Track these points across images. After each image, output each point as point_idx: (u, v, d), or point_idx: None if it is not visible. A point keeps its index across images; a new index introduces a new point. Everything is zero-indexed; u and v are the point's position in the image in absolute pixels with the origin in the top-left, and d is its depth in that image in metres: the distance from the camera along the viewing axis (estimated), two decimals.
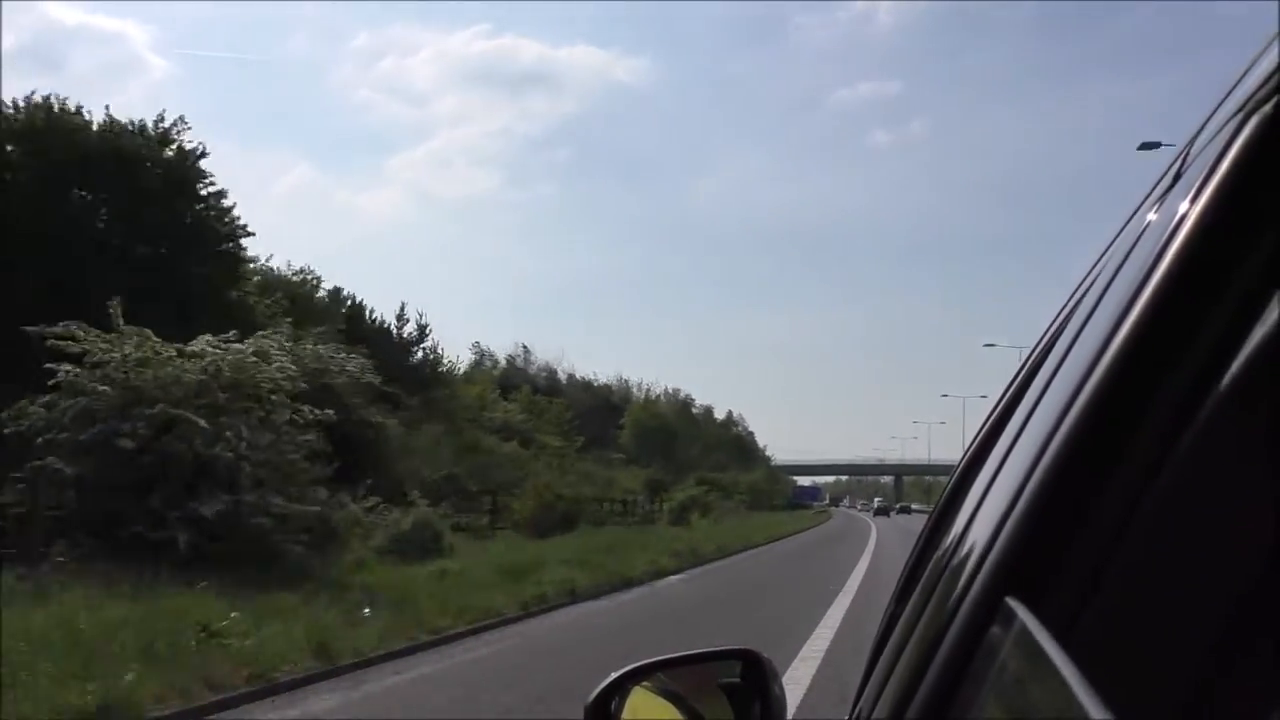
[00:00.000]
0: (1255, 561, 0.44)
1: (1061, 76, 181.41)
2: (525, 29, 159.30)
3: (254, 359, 14.54)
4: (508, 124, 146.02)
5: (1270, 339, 0.46)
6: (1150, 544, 0.49)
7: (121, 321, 13.88)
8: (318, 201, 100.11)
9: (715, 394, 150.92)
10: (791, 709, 1.56)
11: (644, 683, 1.36)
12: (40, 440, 13.07)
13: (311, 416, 14.89)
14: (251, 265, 26.85)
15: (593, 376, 66.03)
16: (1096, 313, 0.68)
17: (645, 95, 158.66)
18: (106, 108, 24.93)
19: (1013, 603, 0.54)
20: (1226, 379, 0.47)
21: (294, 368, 15.30)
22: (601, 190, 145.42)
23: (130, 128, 23.73)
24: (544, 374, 58.04)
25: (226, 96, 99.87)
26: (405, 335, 35.87)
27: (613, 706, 1.32)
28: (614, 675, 1.33)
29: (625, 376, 71.84)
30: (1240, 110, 0.55)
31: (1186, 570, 0.48)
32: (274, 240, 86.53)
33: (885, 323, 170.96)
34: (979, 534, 0.67)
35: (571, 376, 63.00)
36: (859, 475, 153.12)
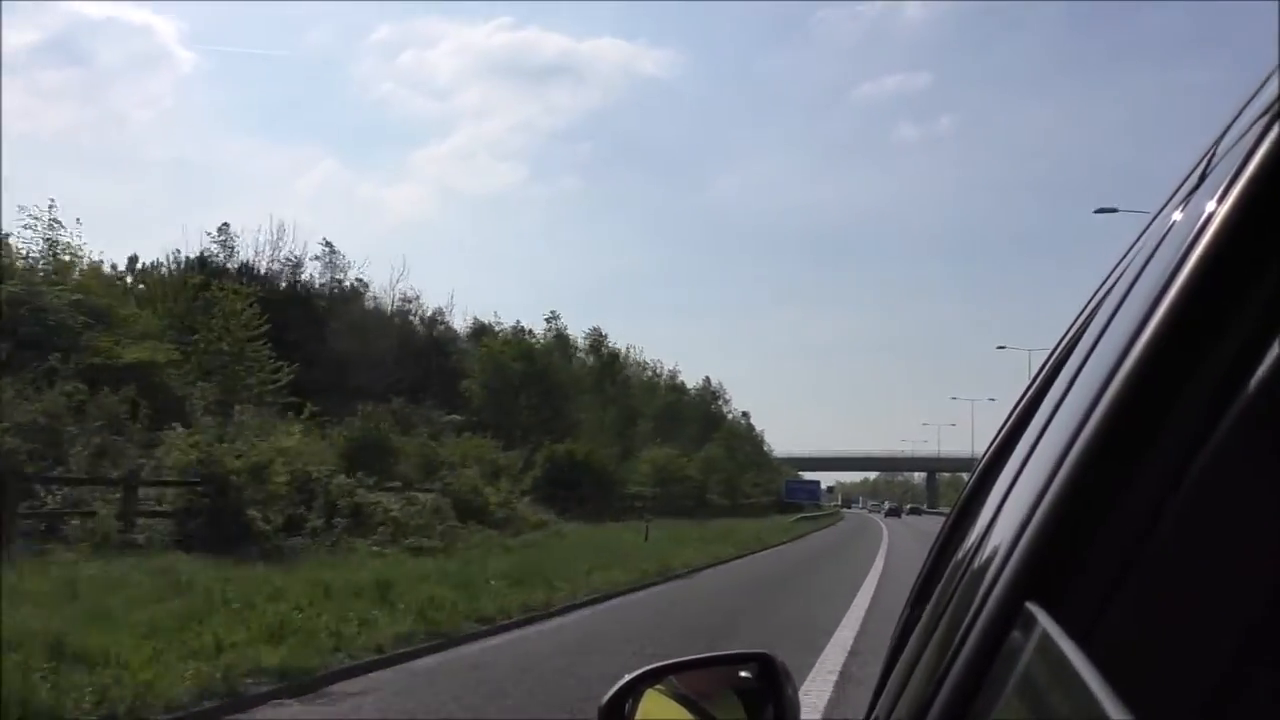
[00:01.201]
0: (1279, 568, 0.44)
1: (1093, 69, 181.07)
2: (548, 21, 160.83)
3: None
4: (531, 118, 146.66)
5: None
6: (1173, 549, 0.49)
7: None
8: (343, 196, 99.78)
9: (738, 392, 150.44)
10: None
11: (657, 685, 1.36)
12: None
13: None
14: None
15: (494, 318, 44.96)
16: (1120, 312, 0.67)
17: (668, 88, 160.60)
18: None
19: (1033, 608, 0.54)
20: (1253, 382, 0.47)
21: None
22: (625, 185, 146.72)
23: None
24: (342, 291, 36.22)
25: (253, 90, 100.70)
26: None
27: (626, 709, 1.32)
28: (627, 677, 1.34)
29: (560, 318, 48.40)
30: (1268, 111, 0.54)
31: (1209, 576, 0.47)
32: (300, 235, 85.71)
33: (912, 320, 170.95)
34: (999, 537, 0.67)
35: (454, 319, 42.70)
36: (888, 471, 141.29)
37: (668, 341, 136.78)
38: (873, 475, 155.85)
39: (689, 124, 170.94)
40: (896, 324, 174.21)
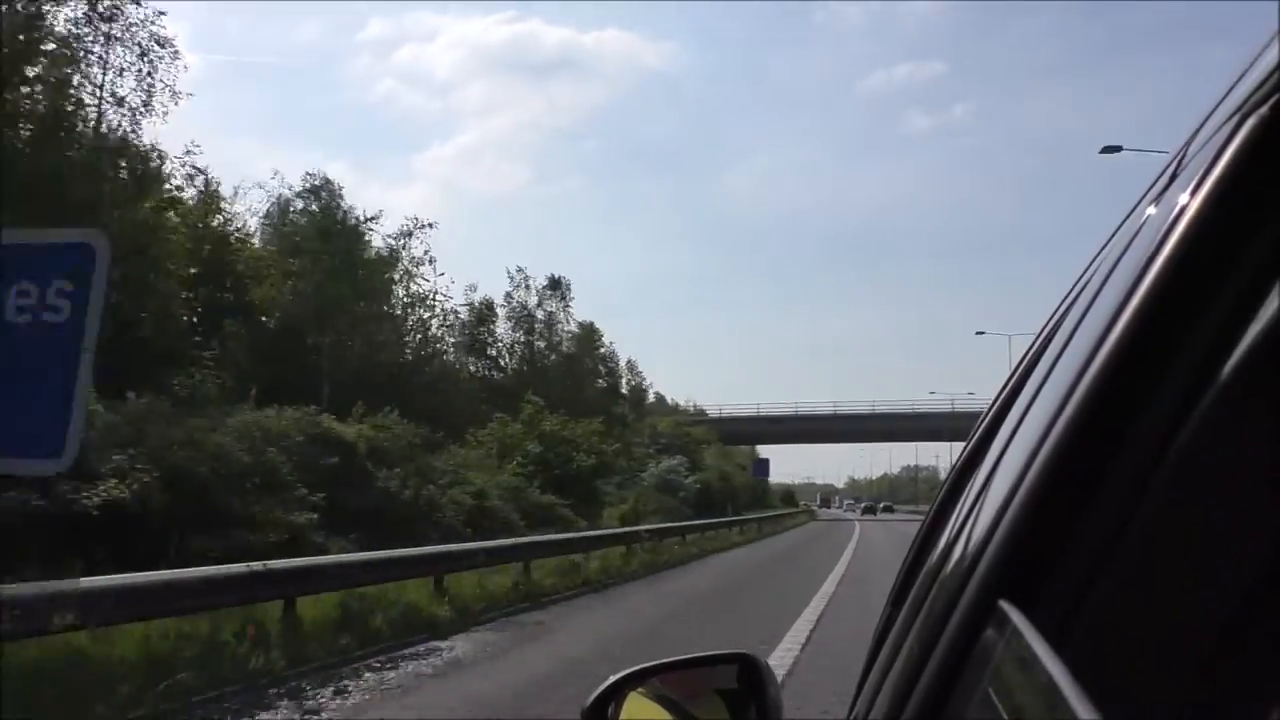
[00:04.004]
0: (1252, 565, 0.44)
1: (1110, 56, 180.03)
2: (550, 13, 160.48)
3: None
4: (536, 116, 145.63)
5: (1269, 333, 0.45)
6: (1146, 547, 0.49)
7: None
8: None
9: (745, 395, 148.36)
10: None
11: (640, 688, 1.36)
12: None
13: None
14: None
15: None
16: (1094, 308, 0.67)
17: (673, 82, 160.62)
18: None
19: (1006, 606, 0.54)
20: (1223, 376, 0.47)
21: None
22: (631, 183, 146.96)
23: None
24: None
25: (255, 94, 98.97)
26: None
27: (609, 712, 1.31)
28: (610, 680, 1.33)
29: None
30: (1238, 111, 0.54)
31: (1183, 574, 0.47)
32: None
33: (928, 318, 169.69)
34: (973, 536, 0.67)
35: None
36: (902, 440, 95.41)
37: (674, 341, 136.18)
38: (895, 469, 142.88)
39: (695, 119, 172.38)
40: (911, 321, 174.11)
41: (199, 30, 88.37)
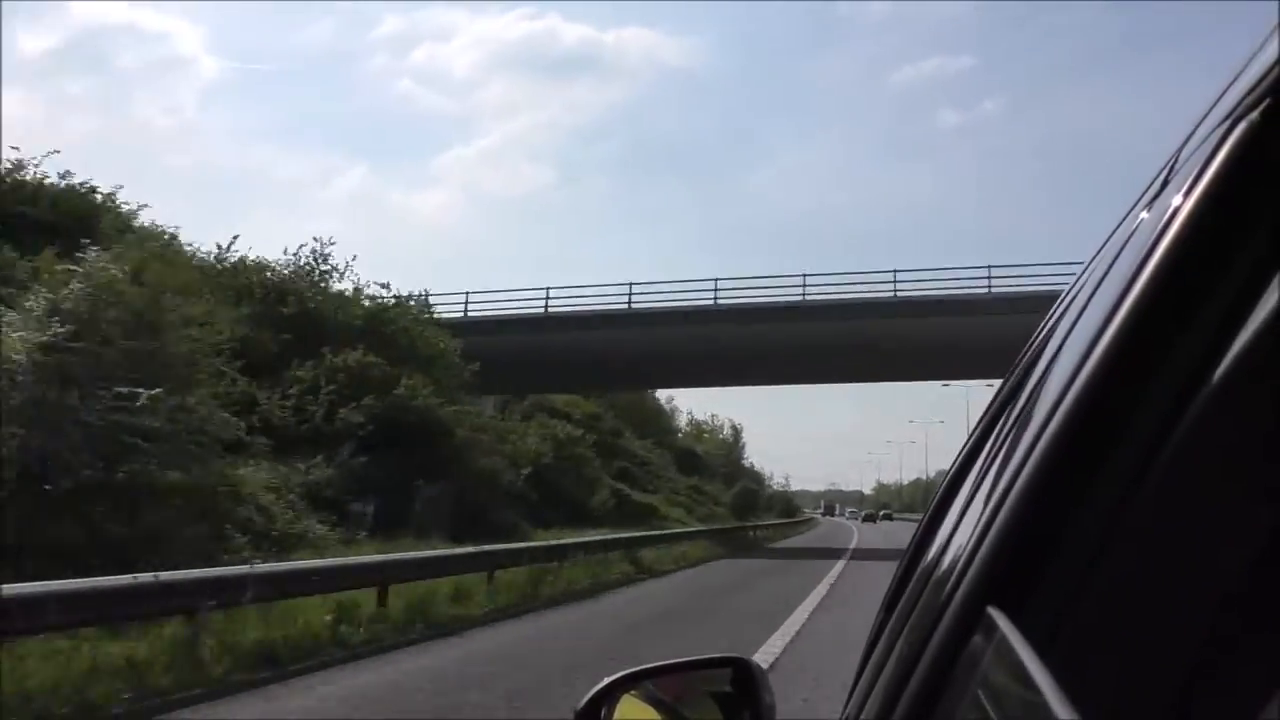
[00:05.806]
0: (1240, 573, 0.44)
1: (1141, 50, 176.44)
2: (568, 10, 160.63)
3: None
4: (555, 116, 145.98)
5: (1260, 338, 0.45)
6: (1135, 555, 0.49)
7: None
8: (372, 204, 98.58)
9: (757, 410, 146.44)
10: None
11: (633, 690, 1.36)
12: None
13: None
14: None
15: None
16: (1084, 317, 0.67)
17: (694, 78, 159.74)
18: None
19: (994, 612, 0.54)
20: (1214, 382, 0.47)
21: None
22: (651, 184, 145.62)
23: None
24: None
25: (278, 98, 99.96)
26: None
27: (602, 714, 1.32)
28: (604, 682, 1.34)
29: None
30: (1228, 116, 0.54)
31: (1169, 582, 0.47)
32: (346, 247, 67.97)
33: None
34: (963, 542, 0.67)
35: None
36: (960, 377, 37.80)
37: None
38: (931, 472, 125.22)
39: (717, 117, 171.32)
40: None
41: (214, 35, 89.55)
